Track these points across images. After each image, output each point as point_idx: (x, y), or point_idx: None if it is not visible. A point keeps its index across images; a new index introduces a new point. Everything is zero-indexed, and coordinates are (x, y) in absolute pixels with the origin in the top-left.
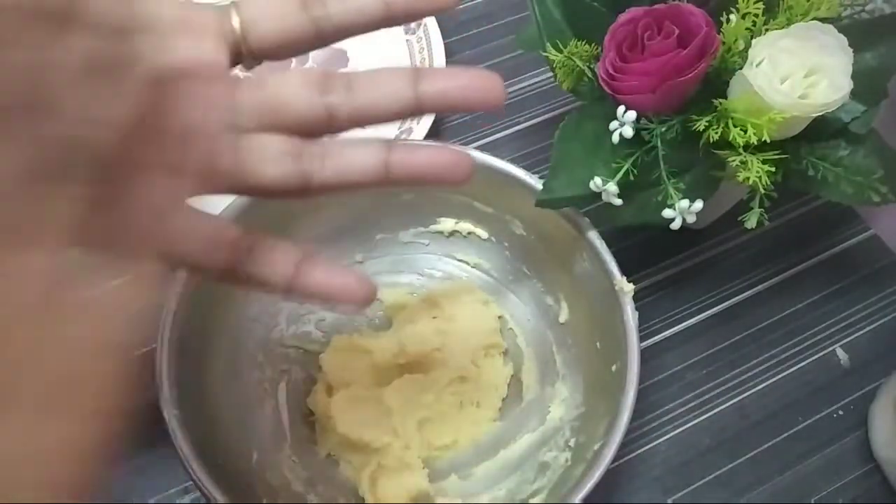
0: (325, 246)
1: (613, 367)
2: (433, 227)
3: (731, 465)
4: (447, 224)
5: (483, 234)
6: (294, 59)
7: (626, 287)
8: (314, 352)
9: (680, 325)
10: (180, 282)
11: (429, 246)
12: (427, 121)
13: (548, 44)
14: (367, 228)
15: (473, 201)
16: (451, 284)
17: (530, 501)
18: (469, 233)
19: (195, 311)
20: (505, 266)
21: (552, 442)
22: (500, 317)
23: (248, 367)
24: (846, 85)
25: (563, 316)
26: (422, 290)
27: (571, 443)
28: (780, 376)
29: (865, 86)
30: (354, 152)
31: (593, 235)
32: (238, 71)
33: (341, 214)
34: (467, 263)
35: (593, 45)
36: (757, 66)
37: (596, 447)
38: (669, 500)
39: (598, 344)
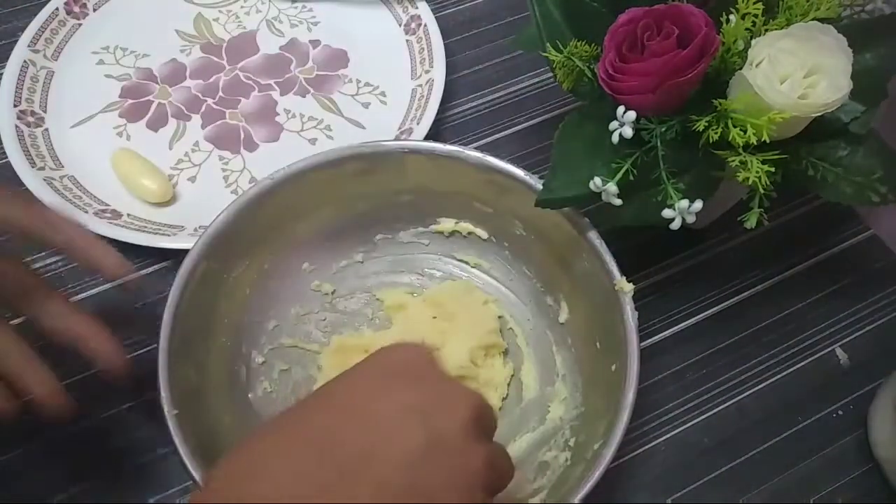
0: (325, 245)
1: (613, 367)
2: (433, 227)
3: (730, 465)
4: (447, 224)
5: (483, 234)
6: (294, 59)
7: (626, 287)
8: (314, 351)
9: (680, 325)
10: (179, 283)
11: (429, 246)
12: (427, 121)
13: (548, 44)
14: (367, 228)
15: (473, 201)
16: (451, 284)
17: (530, 501)
18: (469, 233)
19: (195, 311)
20: (505, 266)
21: (552, 441)
22: (500, 317)
23: (248, 366)
24: (846, 85)
25: (563, 316)
26: (422, 290)
27: (571, 442)
28: (779, 376)
29: (865, 86)
30: None
31: (593, 235)
32: None
33: (341, 214)
34: (467, 263)
35: (593, 45)
36: (756, 66)
37: (596, 446)
38: (669, 500)
39: (597, 344)
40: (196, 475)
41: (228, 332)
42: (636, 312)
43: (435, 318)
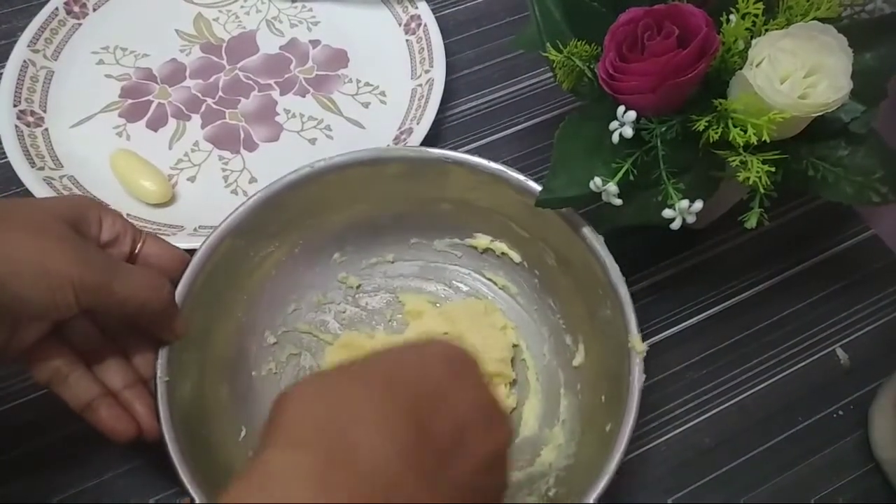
0: (358, 239)
1: (608, 427)
2: (468, 241)
3: (731, 465)
4: (482, 240)
5: (516, 257)
6: (294, 59)
7: (639, 346)
8: (327, 342)
9: (680, 325)
10: (200, 258)
11: (461, 259)
12: (427, 121)
13: (548, 44)
14: (402, 230)
15: (511, 222)
16: (471, 302)
17: None
18: (502, 253)
19: (211, 288)
20: (532, 294)
21: (534, 486)
22: (515, 345)
23: (259, 345)
24: (846, 85)
25: (578, 359)
26: (445, 301)
27: (552, 493)
28: (780, 376)
29: (865, 86)
30: None
31: (619, 283)
32: None
33: (379, 212)
34: (495, 283)
35: (593, 45)
36: (757, 66)
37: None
38: (670, 500)
39: (602, 397)
40: (172, 448)
41: (245, 308)
42: (643, 376)
43: (446, 333)
